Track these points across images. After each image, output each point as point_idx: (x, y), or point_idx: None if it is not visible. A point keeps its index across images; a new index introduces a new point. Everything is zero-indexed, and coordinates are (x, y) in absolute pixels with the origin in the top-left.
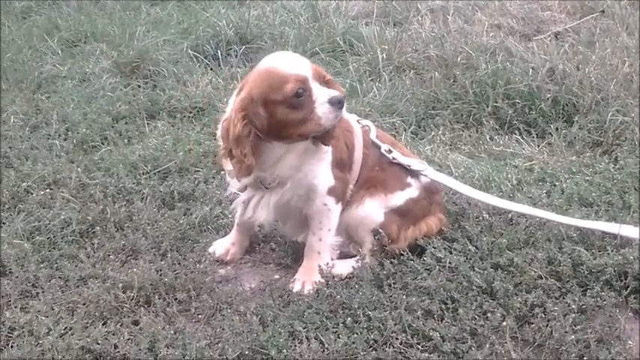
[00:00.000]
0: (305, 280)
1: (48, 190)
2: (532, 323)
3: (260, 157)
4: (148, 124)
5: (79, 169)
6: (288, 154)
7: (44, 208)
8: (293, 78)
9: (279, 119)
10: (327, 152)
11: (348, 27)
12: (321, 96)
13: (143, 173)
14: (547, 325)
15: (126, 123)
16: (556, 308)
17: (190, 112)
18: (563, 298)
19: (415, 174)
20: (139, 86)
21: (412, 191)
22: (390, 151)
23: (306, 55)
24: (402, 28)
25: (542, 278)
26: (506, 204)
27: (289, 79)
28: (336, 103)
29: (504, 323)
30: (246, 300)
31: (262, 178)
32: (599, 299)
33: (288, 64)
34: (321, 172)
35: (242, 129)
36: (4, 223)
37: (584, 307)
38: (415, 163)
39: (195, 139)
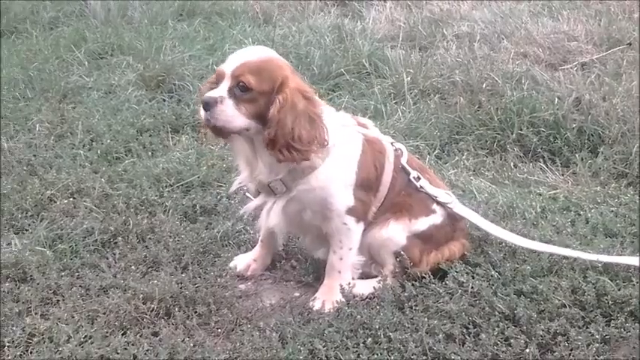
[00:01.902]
0: (326, 298)
1: (71, 199)
2: (555, 352)
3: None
4: (172, 137)
5: (102, 179)
6: (254, 157)
7: (67, 216)
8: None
9: None
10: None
11: (373, 49)
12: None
13: (166, 186)
14: (570, 355)
15: (150, 136)
16: (579, 337)
17: None
18: (587, 327)
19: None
20: (164, 100)
21: (436, 217)
22: (418, 178)
23: (330, 75)
24: (428, 53)
25: (565, 307)
26: (531, 244)
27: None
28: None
29: (527, 350)
30: (266, 316)
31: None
32: (622, 330)
33: (230, 58)
34: (338, 190)
35: None
36: (26, 230)
37: (607, 337)
38: (442, 194)
39: (218, 154)
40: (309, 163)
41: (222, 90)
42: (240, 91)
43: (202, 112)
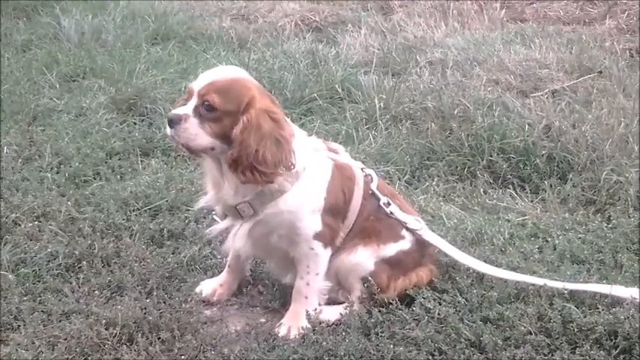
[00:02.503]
0: (292, 324)
1: (36, 223)
2: None
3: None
4: (141, 161)
5: (69, 202)
6: (221, 178)
7: (31, 240)
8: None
9: None
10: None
11: (347, 75)
12: None
13: (134, 210)
14: None
15: (119, 159)
16: None
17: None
18: (552, 355)
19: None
20: (135, 123)
21: (405, 243)
22: (388, 204)
23: (303, 100)
24: (401, 79)
25: (531, 334)
26: (499, 272)
27: None
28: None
29: None
30: (231, 342)
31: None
32: (588, 358)
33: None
34: (306, 215)
35: None
36: None
37: None
38: (412, 221)
39: (188, 178)
40: (277, 187)
41: (188, 108)
42: (206, 110)
43: (168, 129)
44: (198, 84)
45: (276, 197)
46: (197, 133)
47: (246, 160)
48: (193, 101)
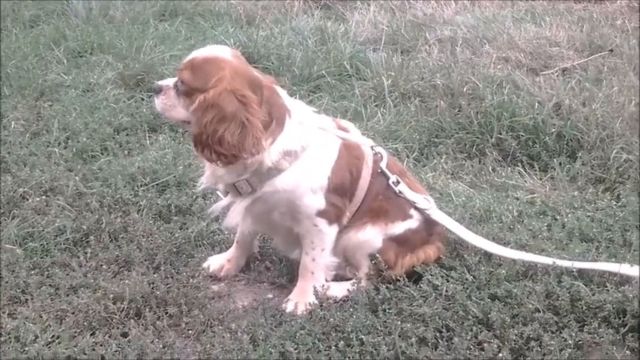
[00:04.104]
0: (298, 300)
1: (44, 197)
2: (527, 356)
3: None
4: (149, 137)
5: (76, 177)
6: None
7: (39, 214)
8: None
9: None
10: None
11: (355, 52)
12: None
13: (141, 185)
14: (542, 359)
15: (127, 135)
16: (552, 342)
17: None
18: (560, 332)
19: None
20: (142, 99)
21: (413, 222)
22: (397, 183)
23: (311, 77)
24: (410, 56)
25: (539, 311)
26: (509, 252)
27: None
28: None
29: (500, 355)
30: (238, 318)
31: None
32: (596, 336)
33: None
34: (305, 194)
35: None
36: None
37: (580, 342)
38: (420, 200)
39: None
40: (274, 165)
41: (171, 80)
42: (181, 84)
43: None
44: (184, 60)
45: (273, 176)
46: (173, 105)
47: (205, 139)
48: (179, 75)
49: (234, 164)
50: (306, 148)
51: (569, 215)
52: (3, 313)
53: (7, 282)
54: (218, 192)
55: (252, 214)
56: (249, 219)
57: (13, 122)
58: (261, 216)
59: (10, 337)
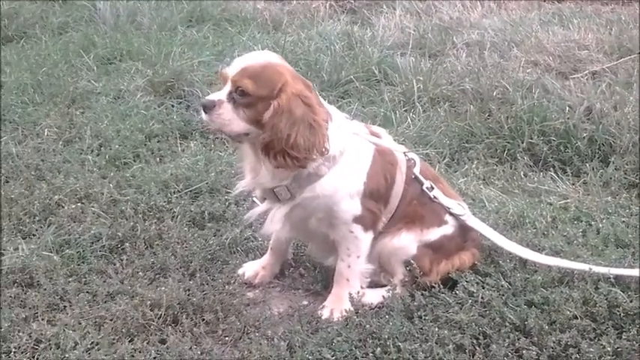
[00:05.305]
0: (334, 307)
1: (79, 204)
2: None
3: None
4: (180, 143)
5: (110, 184)
6: (258, 162)
7: (75, 221)
8: None
9: None
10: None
11: (383, 57)
12: None
13: (174, 192)
14: None
15: (158, 141)
16: (591, 349)
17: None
18: (598, 339)
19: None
20: (173, 106)
21: (448, 228)
22: (431, 188)
23: (340, 82)
24: (438, 61)
25: (577, 318)
26: (544, 259)
27: None
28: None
29: None
30: (274, 324)
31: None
32: (634, 342)
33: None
34: (343, 199)
35: None
36: (34, 235)
37: (619, 349)
38: (455, 206)
39: (227, 160)
40: (314, 171)
41: (222, 94)
42: (239, 95)
43: (203, 115)
44: (231, 70)
45: (313, 181)
46: (231, 119)
47: (278, 145)
48: (227, 87)
49: (305, 167)
50: (344, 153)
51: (604, 221)
52: (42, 320)
53: (45, 289)
54: (254, 198)
55: (291, 220)
56: (286, 225)
57: (46, 130)
58: (299, 222)
59: (50, 344)
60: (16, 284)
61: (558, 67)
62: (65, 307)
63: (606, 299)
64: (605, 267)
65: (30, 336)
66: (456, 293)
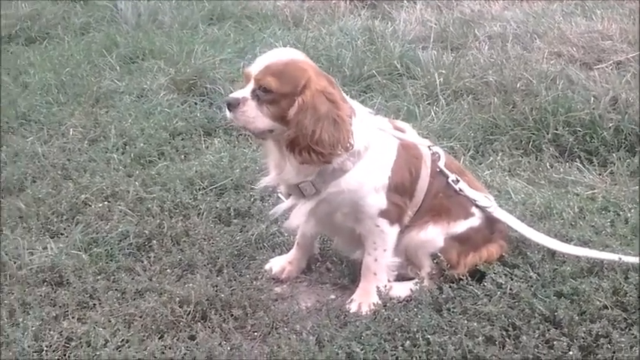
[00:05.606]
0: (362, 301)
1: (106, 203)
2: (597, 354)
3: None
4: (204, 140)
5: (136, 182)
6: (283, 159)
7: (102, 220)
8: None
9: None
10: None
11: (405, 51)
12: None
13: (200, 189)
14: (613, 357)
15: (182, 139)
16: (622, 339)
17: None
18: (629, 329)
19: None
20: (196, 104)
21: (475, 220)
22: (457, 181)
23: (362, 77)
24: (460, 54)
25: (607, 308)
26: (573, 249)
27: None
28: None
29: (569, 353)
30: (303, 319)
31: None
32: None
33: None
34: (368, 193)
35: None
36: (62, 234)
37: None
38: (481, 198)
39: (251, 157)
40: (339, 166)
41: (245, 91)
42: (263, 93)
43: (227, 113)
44: (255, 68)
45: (338, 176)
46: (255, 116)
47: (303, 141)
48: (251, 85)
49: (330, 162)
50: (368, 148)
51: (632, 210)
52: (72, 318)
53: (74, 287)
54: (279, 194)
55: (316, 215)
56: (312, 221)
57: (71, 129)
58: (325, 217)
59: (81, 342)
60: (45, 283)
61: (582, 57)
62: (95, 305)
63: (637, 289)
64: (634, 257)
65: (61, 334)
66: (484, 285)
